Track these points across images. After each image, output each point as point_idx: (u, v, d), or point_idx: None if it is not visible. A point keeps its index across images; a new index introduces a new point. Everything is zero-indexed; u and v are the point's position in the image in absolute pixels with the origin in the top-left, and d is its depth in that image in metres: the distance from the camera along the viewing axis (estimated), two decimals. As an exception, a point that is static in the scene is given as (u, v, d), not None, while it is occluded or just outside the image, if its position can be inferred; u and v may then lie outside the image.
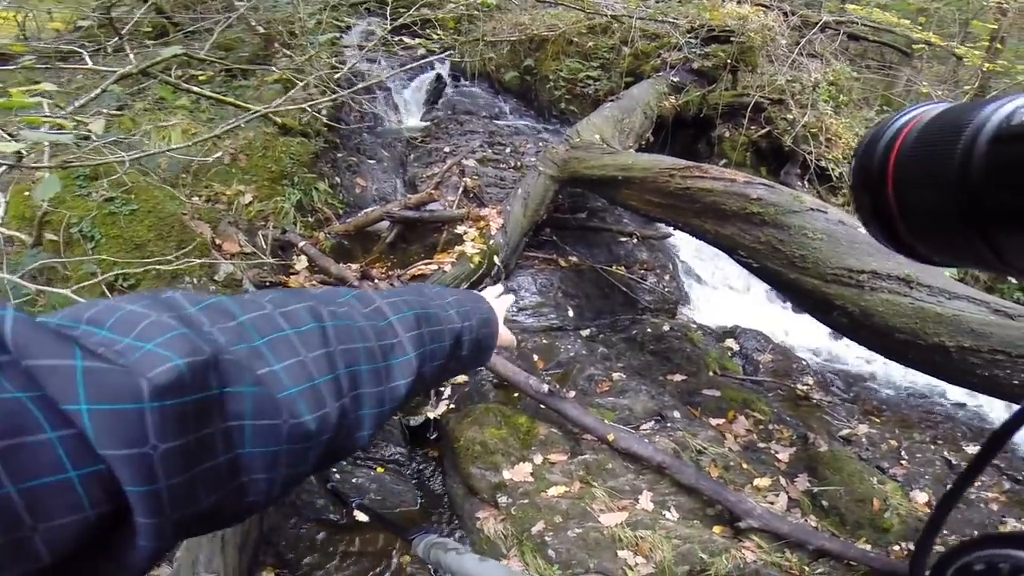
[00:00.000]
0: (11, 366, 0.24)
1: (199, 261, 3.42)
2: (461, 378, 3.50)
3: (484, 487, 2.71)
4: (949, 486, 0.39)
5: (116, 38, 2.35)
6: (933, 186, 0.35)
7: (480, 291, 0.83)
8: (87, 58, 2.19)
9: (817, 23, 5.37)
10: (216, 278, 3.68)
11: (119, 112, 2.87)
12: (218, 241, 3.84)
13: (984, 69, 5.64)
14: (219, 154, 3.10)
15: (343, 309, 0.48)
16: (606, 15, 5.24)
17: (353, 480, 2.80)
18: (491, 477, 2.73)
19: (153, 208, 3.50)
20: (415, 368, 0.53)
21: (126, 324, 0.31)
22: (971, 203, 0.32)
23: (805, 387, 3.08)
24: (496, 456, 2.84)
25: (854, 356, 3.44)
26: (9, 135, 2.12)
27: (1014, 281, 4.09)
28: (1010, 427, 0.37)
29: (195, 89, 2.85)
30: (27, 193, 3.03)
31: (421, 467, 3.02)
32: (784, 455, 2.53)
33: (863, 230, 3.26)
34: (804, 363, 3.31)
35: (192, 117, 3.42)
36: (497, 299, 0.81)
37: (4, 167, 2.21)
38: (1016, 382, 1.91)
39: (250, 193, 3.83)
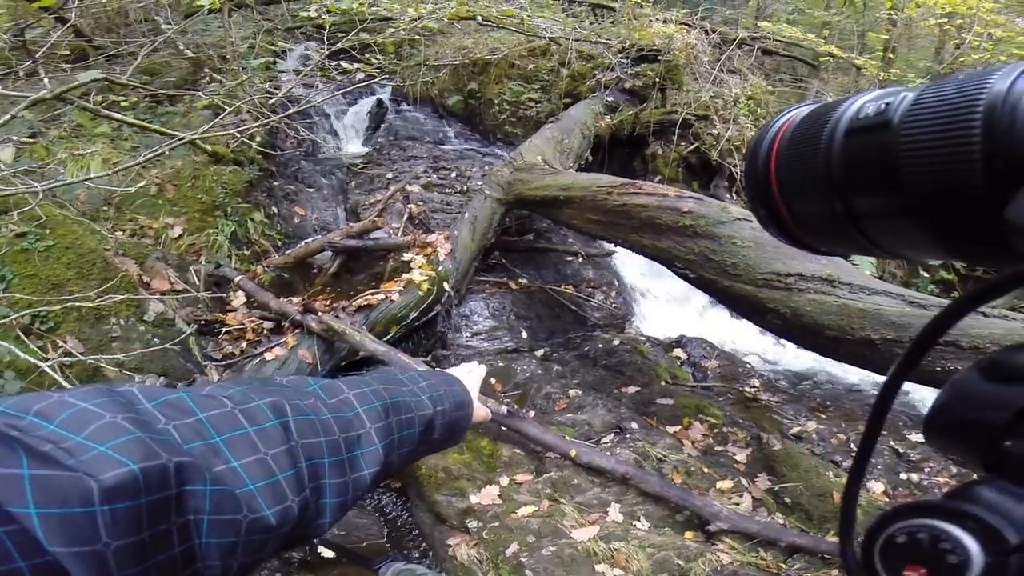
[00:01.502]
0: None
1: (122, 298, 3.18)
2: (417, 406, 3.45)
3: (452, 513, 2.66)
4: (850, 466, 0.42)
5: (29, 61, 2.17)
6: (807, 183, 0.37)
7: (455, 367, 0.85)
8: None
9: (735, 40, 5.72)
10: (146, 318, 3.45)
11: (31, 140, 2.65)
12: (146, 278, 3.59)
13: (880, 78, 6.19)
14: (143, 183, 2.91)
15: (308, 401, 0.49)
16: (544, 37, 5.37)
17: (312, 520, 2.67)
18: (458, 503, 2.69)
19: (72, 244, 3.23)
20: (381, 458, 0.54)
21: (77, 422, 0.32)
22: (837, 196, 0.35)
23: (753, 389, 3.24)
24: (461, 481, 2.80)
25: (793, 356, 3.67)
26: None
27: (923, 273, 4.54)
28: (886, 398, 0.40)
29: (116, 115, 2.67)
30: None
31: (385, 499, 2.92)
32: (742, 456, 2.64)
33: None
34: (749, 366, 3.49)
35: (114, 145, 3.20)
36: (470, 374, 0.84)
37: None
38: (938, 368, 2.11)
39: (179, 226, 3.62)
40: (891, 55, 7.15)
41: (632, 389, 3.23)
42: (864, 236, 0.35)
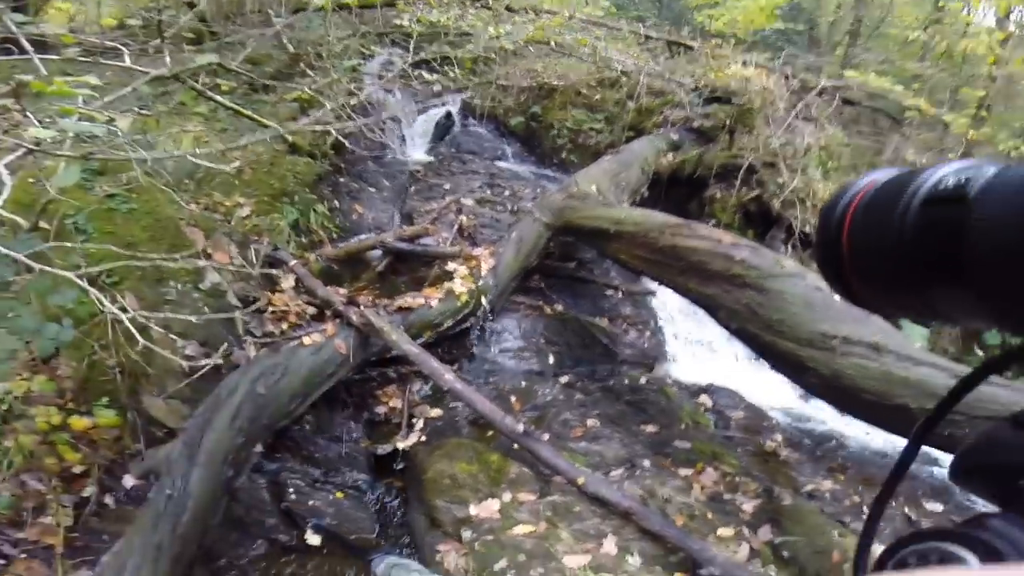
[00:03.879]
0: None
1: (180, 263, 3.38)
2: (435, 411, 3.48)
3: (448, 520, 2.65)
4: (867, 511, 0.45)
5: (158, 40, 2.45)
6: (878, 246, 0.38)
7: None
8: (126, 57, 2.29)
9: (815, 87, 5.52)
10: (201, 286, 3.66)
11: (144, 113, 2.95)
12: (209, 250, 3.83)
13: (968, 137, 5.81)
14: (237, 163, 3.15)
15: None
16: (616, 70, 5.44)
17: (310, 502, 2.72)
18: (457, 511, 2.68)
19: (151, 210, 3.52)
20: None
21: None
22: (906, 261, 0.36)
23: (774, 443, 3.14)
24: (464, 491, 2.80)
25: (822, 417, 3.52)
26: (38, 122, 2.17)
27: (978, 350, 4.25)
28: (906, 456, 0.42)
29: (217, 98, 2.94)
30: (31, 180, 3.05)
31: (383, 496, 2.95)
32: (749, 507, 2.55)
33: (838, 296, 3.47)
34: (775, 421, 3.38)
35: (207, 125, 3.50)
36: None
37: (23, 151, 2.24)
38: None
39: (249, 206, 3.87)
40: (984, 113, 6.70)
41: (651, 428, 3.17)
42: (926, 302, 0.37)
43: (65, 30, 2.25)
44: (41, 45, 2.44)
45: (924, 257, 0.35)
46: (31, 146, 2.14)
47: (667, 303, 4.20)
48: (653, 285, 4.01)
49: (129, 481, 2.43)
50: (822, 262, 0.43)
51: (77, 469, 2.28)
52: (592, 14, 6.34)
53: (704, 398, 3.54)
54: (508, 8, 5.51)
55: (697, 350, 4.06)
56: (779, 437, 3.21)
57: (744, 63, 5.34)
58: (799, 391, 3.43)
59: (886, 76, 6.86)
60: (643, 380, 3.58)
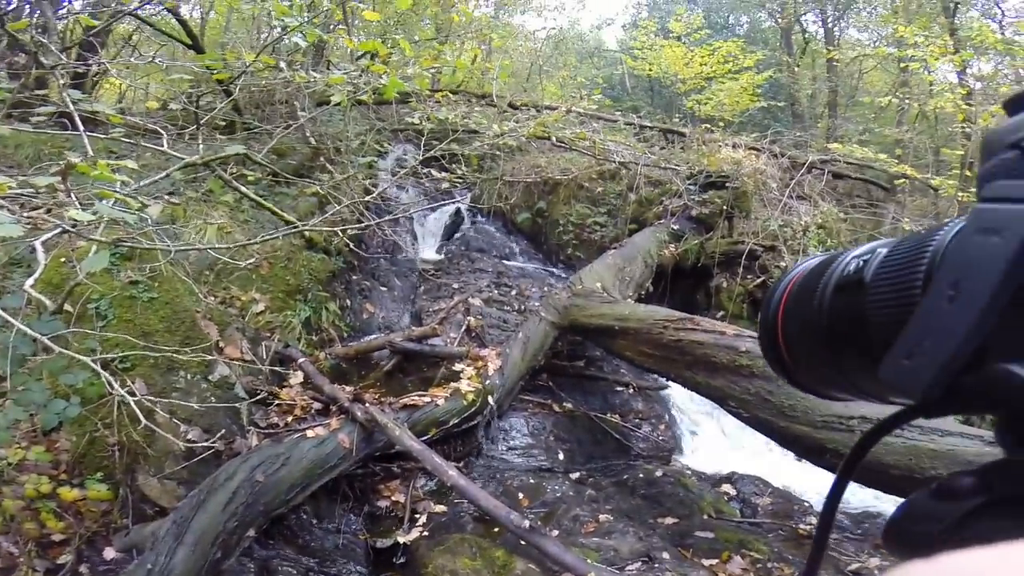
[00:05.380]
0: None
1: (194, 356, 3.40)
2: (439, 507, 3.30)
3: (447, 618, 2.40)
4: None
5: (194, 126, 2.73)
6: (805, 332, 0.40)
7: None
8: (164, 140, 2.55)
9: (804, 163, 5.58)
10: (210, 378, 3.67)
11: (172, 200, 3.17)
12: (222, 344, 3.90)
13: (960, 199, 5.75)
14: (253, 260, 3.32)
15: None
16: (615, 162, 5.60)
17: (300, 594, 2.48)
18: (457, 609, 2.43)
19: (171, 300, 3.65)
20: None
21: None
22: (827, 345, 0.38)
23: (808, 526, 2.87)
24: (465, 588, 2.56)
25: (862, 494, 3.24)
26: (79, 202, 2.36)
27: None
28: (833, 500, 0.42)
29: (243, 189, 3.17)
30: (63, 260, 3.23)
31: (380, 593, 2.68)
32: None
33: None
34: (807, 504, 3.11)
35: (231, 215, 3.73)
36: None
37: (60, 230, 2.42)
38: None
39: (264, 302, 4.00)
40: (968, 172, 6.57)
41: (669, 520, 2.94)
42: (851, 382, 0.38)
43: (115, 109, 2.53)
44: (92, 122, 2.73)
45: (840, 341, 0.37)
46: (67, 227, 2.31)
47: (680, 395, 4.10)
48: (664, 380, 3.95)
49: (110, 553, 2.26)
50: (764, 347, 0.44)
51: (57, 537, 2.15)
52: (587, 108, 6.79)
53: (727, 487, 3.32)
54: (511, 105, 5.95)
55: (717, 440, 3.88)
56: (813, 520, 2.95)
57: (734, 146, 5.49)
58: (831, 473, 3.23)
59: (869, 145, 6.93)
60: (659, 473, 3.39)
